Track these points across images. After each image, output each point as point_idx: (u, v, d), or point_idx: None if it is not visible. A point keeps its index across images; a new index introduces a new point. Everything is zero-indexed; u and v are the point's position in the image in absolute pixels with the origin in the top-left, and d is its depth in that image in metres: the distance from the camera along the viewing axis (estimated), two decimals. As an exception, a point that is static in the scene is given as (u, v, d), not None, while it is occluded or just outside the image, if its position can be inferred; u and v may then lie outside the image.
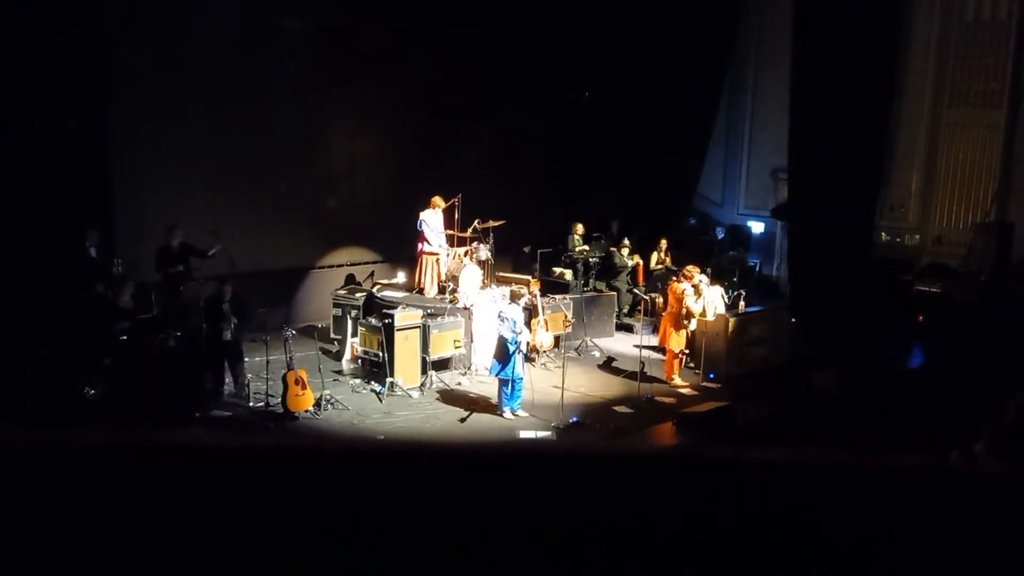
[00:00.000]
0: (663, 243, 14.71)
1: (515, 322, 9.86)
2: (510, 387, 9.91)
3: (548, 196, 15.90)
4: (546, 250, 13.96)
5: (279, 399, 9.56)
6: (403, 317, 10.79)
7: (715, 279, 12.71)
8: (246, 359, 10.63)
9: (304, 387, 9.52)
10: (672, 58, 15.68)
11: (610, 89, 16.33)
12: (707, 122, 17.19)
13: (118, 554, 0.67)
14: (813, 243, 13.23)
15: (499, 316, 10.20)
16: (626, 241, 14.57)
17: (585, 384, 11.15)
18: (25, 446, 0.72)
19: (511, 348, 9.76)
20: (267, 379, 9.96)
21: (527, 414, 10.03)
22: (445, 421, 9.80)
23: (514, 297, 10.25)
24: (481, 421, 9.85)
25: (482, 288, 12.13)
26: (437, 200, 12.32)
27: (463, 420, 9.86)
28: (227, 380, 10.30)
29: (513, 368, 9.81)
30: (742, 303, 12.17)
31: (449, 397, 10.56)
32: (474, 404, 10.31)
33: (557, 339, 12.11)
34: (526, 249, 14.52)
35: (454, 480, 0.71)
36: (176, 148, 11.95)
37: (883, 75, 13.37)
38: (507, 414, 9.94)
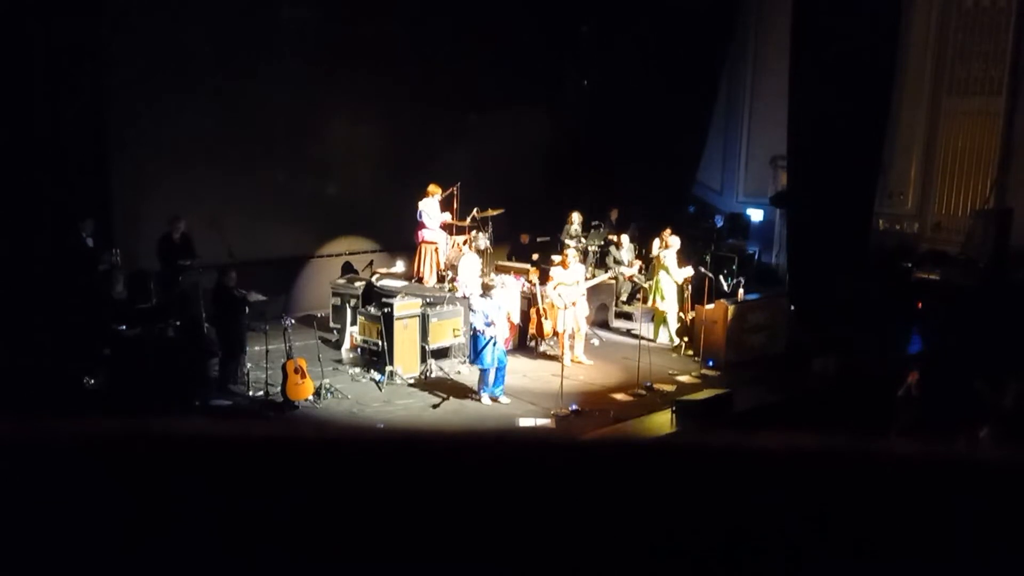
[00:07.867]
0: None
1: (486, 314, 9.90)
2: (492, 374, 9.97)
3: (547, 184, 15.87)
4: (544, 239, 13.86)
5: (278, 388, 9.58)
6: (402, 306, 10.80)
7: (714, 267, 12.62)
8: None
9: (303, 376, 9.53)
10: (671, 45, 15.62)
11: (609, 77, 16.28)
12: (706, 110, 17.13)
13: (113, 546, 0.67)
14: (812, 230, 13.22)
15: (470, 307, 10.29)
16: (627, 240, 14.12)
17: (584, 372, 11.17)
18: (23, 437, 0.72)
19: (482, 340, 9.83)
20: (266, 368, 9.96)
21: (509, 400, 10.04)
22: (444, 409, 9.83)
23: (485, 289, 10.27)
24: (466, 408, 9.87)
25: (481, 276, 12.13)
26: (432, 188, 12.31)
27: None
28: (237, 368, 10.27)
29: (493, 356, 9.85)
30: (741, 291, 12.17)
31: (448, 386, 10.57)
32: (473, 393, 10.32)
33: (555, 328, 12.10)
34: (524, 239, 14.48)
35: (452, 468, 0.71)
36: (174, 137, 11.94)
37: (882, 62, 13.34)
38: (485, 399, 9.97)
